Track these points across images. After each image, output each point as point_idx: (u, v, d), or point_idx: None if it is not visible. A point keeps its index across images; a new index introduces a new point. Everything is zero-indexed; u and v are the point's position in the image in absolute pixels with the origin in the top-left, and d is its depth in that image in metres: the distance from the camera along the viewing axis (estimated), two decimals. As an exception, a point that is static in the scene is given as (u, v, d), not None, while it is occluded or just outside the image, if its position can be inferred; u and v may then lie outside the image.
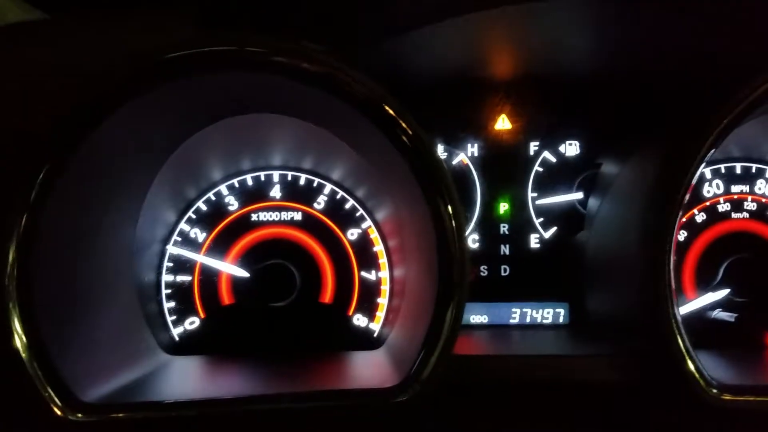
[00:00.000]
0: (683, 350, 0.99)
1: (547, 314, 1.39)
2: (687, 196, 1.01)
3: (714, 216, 1.36)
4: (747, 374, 1.16)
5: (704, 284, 1.33)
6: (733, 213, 1.36)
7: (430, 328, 0.97)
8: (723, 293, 1.31)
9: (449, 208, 0.97)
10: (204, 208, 1.33)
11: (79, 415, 0.88)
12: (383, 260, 1.34)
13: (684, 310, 1.29)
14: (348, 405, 0.96)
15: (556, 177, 1.41)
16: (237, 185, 1.34)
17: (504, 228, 1.42)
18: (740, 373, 1.15)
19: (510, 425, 1.11)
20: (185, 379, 1.14)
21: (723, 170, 1.38)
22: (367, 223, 1.35)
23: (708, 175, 1.37)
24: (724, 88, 1.04)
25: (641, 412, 1.10)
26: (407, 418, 1.00)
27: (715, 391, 0.98)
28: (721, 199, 1.37)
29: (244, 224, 1.33)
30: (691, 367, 0.98)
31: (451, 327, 0.96)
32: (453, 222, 0.97)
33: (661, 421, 1.09)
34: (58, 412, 0.87)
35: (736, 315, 1.29)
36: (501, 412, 1.12)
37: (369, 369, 1.16)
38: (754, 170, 1.38)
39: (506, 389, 1.09)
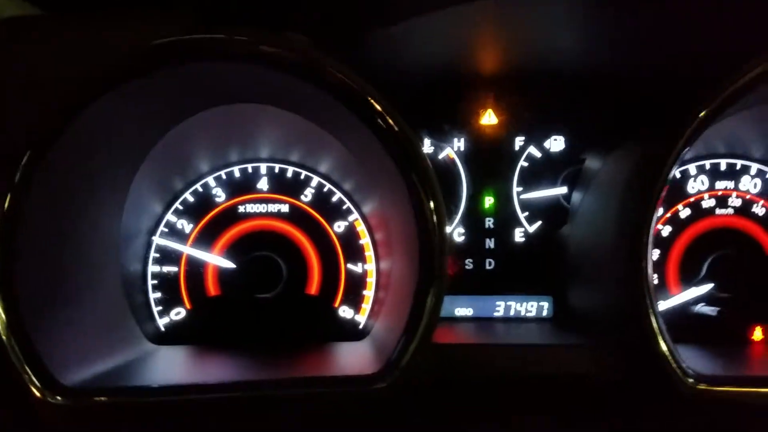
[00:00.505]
0: (661, 341, 1.00)
1: (531, 307, 1.39)
2: (665, 189, 1.02)
3: (698, 212, 1.37)
4: (727, 367, 1.16)
5: (688, 279, 1.34)
6: (717, 209, 1.37)
7: (410, 316, 0.98)
8: (706, 288, 1.31)
9: (431, 203, 0.98)
10: (191, 199, 1.34)
11: (59, 398, 0.88)
12: (369, 253, 1.35)
13: (667, 304, 1.30)
14: (328, 392, 0.97)
15: (541, 172, 1.42)
16: (224, 177, 1.35)
17: (489, 222, 1.43)
18: (720, 366, 1.15)
19: (493, 413, 1.12)
20: (169, 367, 1.14)
21: (707, 166, 1.39)
22: (354, 215, 1.36)
23: (692, 171, 1.38)
24: (706, 85, 1.04)
25: (623, 402, 1.11)
26: (389, 406, 1.01)
27: (691, 380, 0.99)
28: (706, 195, 1.38)
29: (231, 216, 1.34)
30: (669, 357, 0.99)
31: (430, 315, 0.98)
32: (435, 216, 0.98)
33: (643, 411, 1.10)
34: (38, 395, 0.88)
35: (718, 309, 1.30)
36: (484, 401, 1.13)
37: (352, 358, 1.17)
38: (738, 167, 1.39)
39: (489, 378, 1.11)
